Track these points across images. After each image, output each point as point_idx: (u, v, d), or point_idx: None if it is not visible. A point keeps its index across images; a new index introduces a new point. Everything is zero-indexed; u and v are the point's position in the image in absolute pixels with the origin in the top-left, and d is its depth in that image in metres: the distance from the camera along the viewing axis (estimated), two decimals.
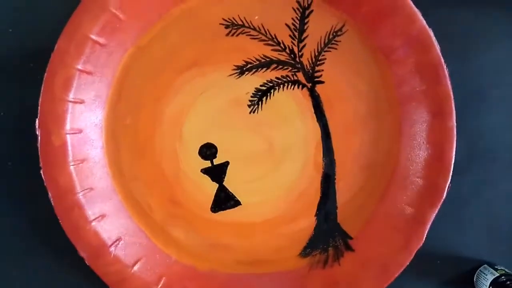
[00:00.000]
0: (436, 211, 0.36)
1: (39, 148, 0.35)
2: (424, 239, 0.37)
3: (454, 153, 0.36)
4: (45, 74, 0.34)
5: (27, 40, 0.40)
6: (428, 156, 0.37)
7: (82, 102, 0.36)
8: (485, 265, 0.42)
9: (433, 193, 0.36)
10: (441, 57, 0.35)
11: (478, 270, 0.42)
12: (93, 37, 0.34)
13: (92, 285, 0.40)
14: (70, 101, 0.35)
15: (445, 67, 0.35)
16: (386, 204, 0.39)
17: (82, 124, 0.36)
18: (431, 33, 0.35)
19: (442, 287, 0.43)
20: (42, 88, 0.34)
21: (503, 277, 0.40)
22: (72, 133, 0.36)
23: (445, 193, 0.36)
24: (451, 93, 0.35)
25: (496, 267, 0.42)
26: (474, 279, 0.43)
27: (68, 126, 0.35)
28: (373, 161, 0.39)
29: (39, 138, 0.35)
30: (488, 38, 0.42)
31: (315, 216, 0.40)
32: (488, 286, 0.40)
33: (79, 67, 0.35)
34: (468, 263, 0.43)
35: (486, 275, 0.41)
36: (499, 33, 0.42)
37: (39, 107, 0.35)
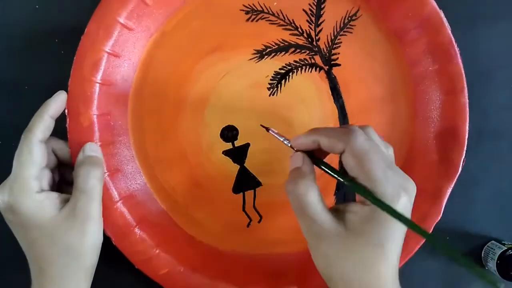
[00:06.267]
0: (452, 185, 0.38)
1: (68, 128, 0.35)
2: (441, 213, 0.38)
3: (467, 128, 0.37)
4: (75, 56, 0.35)
5: (52, 16, 0.41)
6: (442, 133, 0.38)
7: (109, 84, 0.37)
8: (493, 241, 0.43)
9: (449, 168, 0.38)
10: (452, 37, 0.37)
11: (486, 246, 0.43)
12: (122, 20, 0.36)
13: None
14: (98, 83, 0.36)
15: (456, 46, 0.37)
16: None
17: (110, 106, 0.37)
18: (442, 15, 0.37)
19: (451, 263, 0.44)
20: (71, 70, 0.35)
21: (510, 251, 0.41)
22: (100, 115, 0.36)
23: (460, 168, 0.37)
24: (463, 70, 0.37)
25: (503, 242, 0.43)
26: (482, 255, 0.43)
27: (96, 107, 0.36)
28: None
29: (68, 118, 0.35)
30: (495, 21, 0.43)
31: (334, 195, 0.41)
32: (495, 260, 0.41)
33: (108, 49, 0.36)
34: (477, 239, 0.44)
35: (494, 249, 0.42)
36: (506, 16, 0.43)
37: (68, 89, 0.35)
